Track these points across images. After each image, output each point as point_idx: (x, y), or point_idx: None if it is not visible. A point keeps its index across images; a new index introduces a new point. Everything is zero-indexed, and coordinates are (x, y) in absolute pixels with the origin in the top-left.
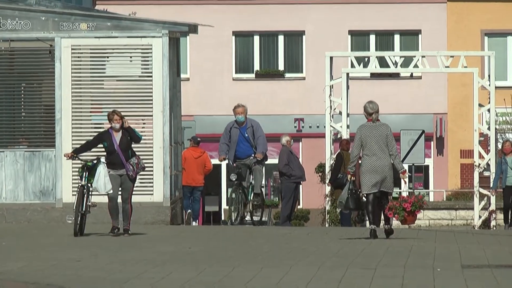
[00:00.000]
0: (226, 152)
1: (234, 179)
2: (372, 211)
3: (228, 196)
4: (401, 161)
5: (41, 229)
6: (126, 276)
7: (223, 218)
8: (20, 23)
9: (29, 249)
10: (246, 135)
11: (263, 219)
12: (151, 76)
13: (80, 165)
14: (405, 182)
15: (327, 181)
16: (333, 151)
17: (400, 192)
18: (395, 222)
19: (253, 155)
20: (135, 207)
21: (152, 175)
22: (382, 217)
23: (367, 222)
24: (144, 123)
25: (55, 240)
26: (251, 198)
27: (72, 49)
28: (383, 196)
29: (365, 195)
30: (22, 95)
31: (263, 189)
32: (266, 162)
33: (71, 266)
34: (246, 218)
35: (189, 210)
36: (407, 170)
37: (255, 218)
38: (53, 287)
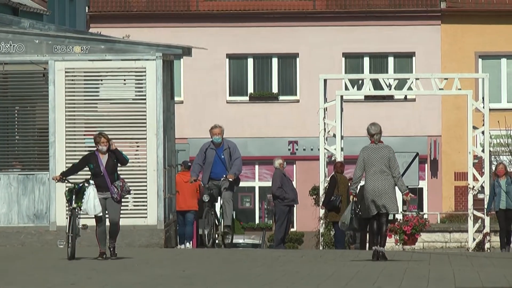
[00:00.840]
0: (197, 173)
1: (206, 200)
2: (377, 233)
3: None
4: (404, 183)
5: (35, 253)
6: None
7: (217, 241)
8: (13, 46)
9: (23, 272)
10: (223, 156)
11: (246, 241)
12: (145, 99)
13: (67, 188)
14: (407, 204)
15: (320, 204)
16: (327, 174)
17: (402, 214)
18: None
19: (224, 176)
20: (129, 230)
21: (146, 198)
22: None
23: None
24: (138, 146)
25: (49, 263)
26: (222, 229)
27: (65, 72)
28: (382, 216)
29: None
30: (16, 118)
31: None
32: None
33: None
34: (217, 241)
35: (187, 243)
36: (409, 192)
37: (226, 241)
38: None
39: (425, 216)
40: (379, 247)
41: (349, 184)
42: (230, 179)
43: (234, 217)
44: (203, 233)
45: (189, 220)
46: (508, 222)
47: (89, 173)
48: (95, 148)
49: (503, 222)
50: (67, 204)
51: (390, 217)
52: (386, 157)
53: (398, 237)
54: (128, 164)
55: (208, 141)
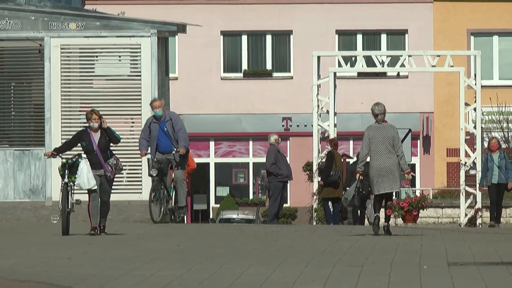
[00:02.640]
0: (146, 146)
1: (154, 175)
2: (379, 209)
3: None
4: (406, 162)
5: (30, 227)
6: (116, 273)
7: (211, 216)
8: (9, 22)
9: (19, 247)
10: (166, 129)
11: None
12: (140, 75)
13: (60, 164)
14: (409, 182)
15: (315, 180)
16: (320, 150)
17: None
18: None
19: (175, 150)
20: (124, 205)
21: (140, 174)
22: (383, 214)
23: (369, 218)
24: (133, 122)
25: (45, 238)
26: (177, 211)
27: (61, 48)
28: (387, 196)
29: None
30: (12, 94)
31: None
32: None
33: (62, 263)
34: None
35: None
36: (411, 171)
37: (177, 217)
38: (44, 284)
39: (417, 193)
40: (385, 222)
41: (342, 160)
42: (182, 153)
43: (228, 193)
44: (149, 208)
45: None
46: (500, 196)
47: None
48: (87, 125)
49: (495, 196)
50: (62, 180)
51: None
52: (390, 136)
53: (396, 213)
54: (123, 140)
55: (152, 116)
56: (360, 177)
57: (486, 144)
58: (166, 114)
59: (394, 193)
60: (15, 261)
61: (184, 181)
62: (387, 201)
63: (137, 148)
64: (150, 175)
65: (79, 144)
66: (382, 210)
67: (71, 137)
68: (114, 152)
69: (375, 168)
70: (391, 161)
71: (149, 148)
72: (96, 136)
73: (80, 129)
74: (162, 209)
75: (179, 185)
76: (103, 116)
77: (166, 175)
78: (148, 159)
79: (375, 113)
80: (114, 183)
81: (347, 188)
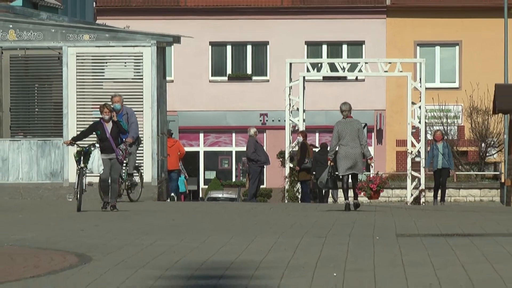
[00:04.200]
0: None
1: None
2: (346, 189)
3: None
4: (369, 149)
5: (51, 205)
6: (121, 243)
7: (200, 195)
8: (34, 34)
9: (41, 221)
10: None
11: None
12: (142, 79)
13: (75, 151)
14: (372, 166)
15: (286, 165)
16: (291, 140)
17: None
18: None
19: (124, 139)
20: (143, 186)
21: (142, 160)
22: (351, 193)
23: (341, 198)
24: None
25: (63, 213)
26: (126, 177)
27: (76, 56)
28: (354, 177)
29: (340, 176)
30: (36, 94)
31: (141, 169)
32: (139, 145)
33: (76, 234)
34: (124, 195)
35: (172, 194)
36: (373, 157)
37: (132, 196)
38: (61, 252)
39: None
40: (354, 199)
41: (312, 149)
42: (129, 142)
43: (215, 176)
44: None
45: (173, 178)
46: (443, 179)
47: (95, 139)
48: (101, 117)
49: (439, 179)
50: (77, 165)
51: (360, 177)
52: (356, 129)
53: (365, 192)
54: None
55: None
56: (331, 163)
57: (429, 136)
58: (124, 108)
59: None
60: (37, 233)
61: (134, 154)
62: (355, 181)
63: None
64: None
65: (93, 134)
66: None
67: (87, 127)
68: None
69: (343, 155)
70: (356, 149)
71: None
72: (108, 126)
73: (92, 122)
74: (77, 191)
75: (130, 155)
76: (113, 112)
77: (86, 161)
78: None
79: (342, 110)
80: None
81: (314, 173)
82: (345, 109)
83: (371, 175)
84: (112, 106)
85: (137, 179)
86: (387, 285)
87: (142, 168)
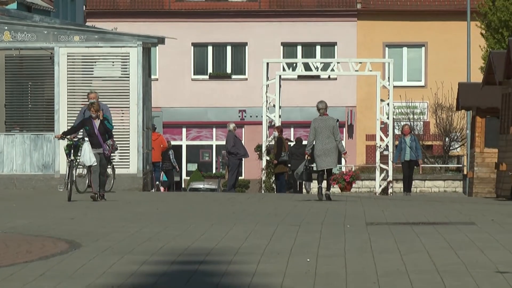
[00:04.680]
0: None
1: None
2: (321, 181)
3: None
4: (343, 145)
5: (43, 194)
6: (109, 230)
7: (183, 186)
8: (27, 35)
9: (33, 209)
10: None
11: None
12: (128, 77)
13: (66, 144)
14: (346, 160)
15: (263, 158)
16: (268, 135)
17: (340, 167)
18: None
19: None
20: (115, 177)
21: (128, 152)
22: (325, 184)
23: (313, 189)
24: (123, 113)
25: (54, 203)
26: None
27: (67, 56)
28: (328, 170)
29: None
30: (29, 91)
31: (112, 162)
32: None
33: (67, 222)
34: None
35: (157, 182)
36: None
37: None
38: (52, 238)
39: (343, 169)
40: (326, 191)
41: (287, 143)
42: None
43: (196, 168)
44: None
45: (156, 170)
46: (411, 171)
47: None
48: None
49: (407, 170)
50: (67, 157)
51: (334, 170)
52: (331, 125)
53: (340, 184)
54: (115, 127)
55: (87, 104)
56: (308, 157)
57: (397, 132)
58: (99, 105)
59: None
60: (31, 221)
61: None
62: (329, 175)
63: (125, 132)
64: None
65: (84, 129)
66: (324, 181)
67: (77, 123)
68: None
69: (319, 149)
70: (331, 144)
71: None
72: (97, 123)
73: (83, 118)
74: (68, 182)
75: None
76: (101, 110)
77: (76, 154)
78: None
79: (318, 108)
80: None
81: (289, 165)
82: (322, 107)
83: (344, 169)
84: (88, 101)
85: (109, 171)
86: (357, 270)
87: (114, 159)
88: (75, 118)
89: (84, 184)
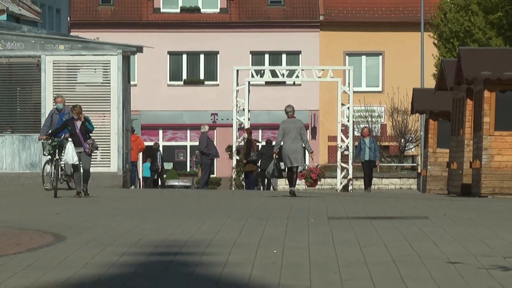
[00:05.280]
0: (46, 133)
1: (47, 154)
2: (290, 178)
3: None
4: (310, 145)
5: (30, 191)
6: (91, 224)
7: (159, 183)
8: (16, 44)
9: (22, 205)
10: (64, 119)
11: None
12: (109, 83)
13: (51, 145)
14: (312, 159)
15: (234, 157)
16: (238, 136)
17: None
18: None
19: (64, 134)
20: (97, 175)
21: (109, 152)
22: (286, 181)
23: (280, 186)
24: (104, 116)
25: (41, 199)
26: (64, 168)
27: (53, 63)
28: (294, 169)
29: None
30: (18, 96)
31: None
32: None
33: (53, 217)
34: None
35: (138, 178)
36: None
37: (71, 185)
38: (40, 232)
39: (306, 167)
40: (292, 187)
41: (256, 144)
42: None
43: (172, 166)
44: (42, 178)
45: (133, 169)
46: (370, 169)
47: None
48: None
49: (367, 169)
50: (51, 157)
51: (300, 168)
52: (298, 127)
53: (306, 181)
54: (97, 128)
55: (54, 108)
56: (276, 156)
57: (356, 133)
58: (66, 108)
59: (298, 167)
60: (19, 216)
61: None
62: (295, 173)
63: (106, 134)
64: (44, 154)
65: (67, 130)
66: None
67: (60, 124)
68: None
69: (287, 149)
70: (298, 144)
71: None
72: (78, 124)
73: (67, 119)
74: (54, 179)
75: (68, 148)
76: (82, 112)
77: (60, 154)
78: (42, 142)
79: (287, 111)
80: (92, 158)
81: (259, 164)
82: (289, 110)
83: (311, 166)
84: (55, 105)
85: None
86: (320, 261)
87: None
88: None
89: (49, 182)
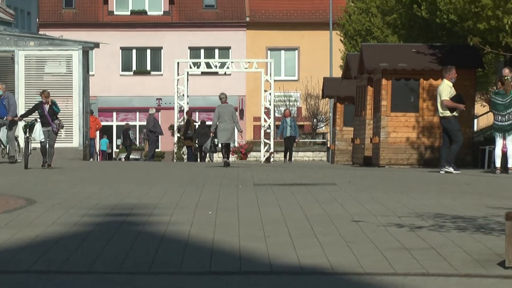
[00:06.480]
0: None
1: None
2: (224, 152)
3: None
4: (240, 126)
5: (5, 164)
6: (57, 190)
7: (114, 156)
8: None
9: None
10: (4, 103)
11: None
12: (72, 73)
13: (23, 125)
14: (241, 137)
15: (175, 135)
16: (178, 117)
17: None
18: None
19: (5, 117)
20: (62, 150)
21: (72, 130)
22: (220, 155)
23: (217, 159)
24: (67, 101)
25: (14, 170)
26: (7, 144)
27: (25, 57)
28: (228, 144)
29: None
30: None
31: (18, 139)
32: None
33: (24, 184)
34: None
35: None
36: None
37: (11, 159)
38: (14, 197)
39: (236, 144)
40: (227, 159)
41: (193, 123)
42: (10, 119)
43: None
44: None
45: (92, 144)
46: (291, 144)
47: (37, 116)
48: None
49: (288, 144)
50: (24, 135)
51: (232, 144)
52: (231, 111)
53: (237, 155)
54: (62, 111)
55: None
56: (212, 134)
57: (277, 114)
58: (5, 93)
59: (231, 144)
60: None
61: (13, 139)
62: (228, 147)
63: (69, 115)
64: None
65: (37, 112)
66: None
67: (31, 107)
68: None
69: (221, 129)
70: (231, 125)
71: None
72: (46, 107)
73: (36, 103)
74: (25, 154)
75: (10, 140)
76: (50, 97)
77: (30, 132)
78: None
79: (220, 97)
80: (57, 136)
81: (196, 141)
82: (223, 97)
83: (241, 143)
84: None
85: (16, 144)
86: (247, 220)
87: (18, 136)
88: (30, 105)
89: (16, 156)
